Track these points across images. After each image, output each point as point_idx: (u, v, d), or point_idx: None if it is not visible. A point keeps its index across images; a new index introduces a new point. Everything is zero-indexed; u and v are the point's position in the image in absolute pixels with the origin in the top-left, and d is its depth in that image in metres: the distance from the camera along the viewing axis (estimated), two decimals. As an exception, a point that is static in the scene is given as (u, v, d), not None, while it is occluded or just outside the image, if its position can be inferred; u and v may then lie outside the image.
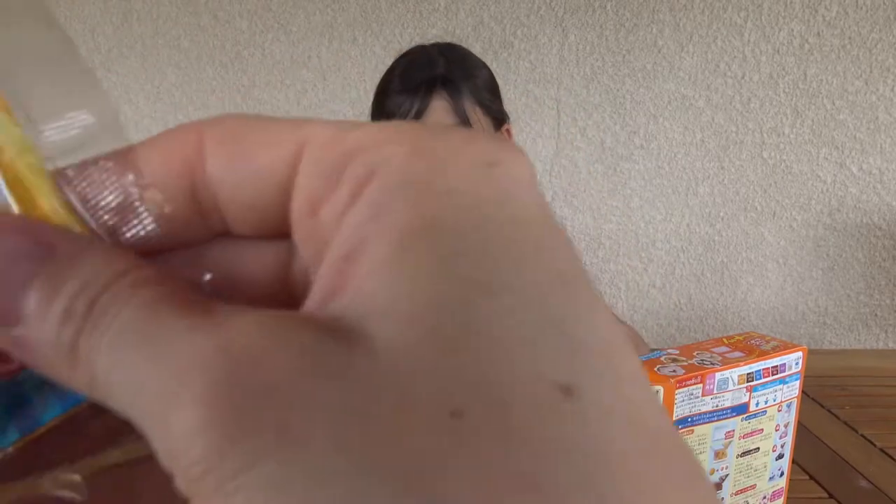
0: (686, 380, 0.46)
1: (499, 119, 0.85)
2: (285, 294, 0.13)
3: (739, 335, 0.54)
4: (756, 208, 1.71)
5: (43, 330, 0.10)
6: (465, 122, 0.79)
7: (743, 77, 1.62)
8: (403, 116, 0.80)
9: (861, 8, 1.59)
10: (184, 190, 0.12)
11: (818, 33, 1.61)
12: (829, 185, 1.69)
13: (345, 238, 0.10)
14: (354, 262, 0.10)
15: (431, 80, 0.79)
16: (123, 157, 0.13)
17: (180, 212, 0.12)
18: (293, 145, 0.11)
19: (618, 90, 1.65)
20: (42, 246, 0.11)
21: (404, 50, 0.87)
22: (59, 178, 0.13)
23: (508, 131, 0.89)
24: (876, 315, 1.77)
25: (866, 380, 0.72)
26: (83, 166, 0.13)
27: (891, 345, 1.79)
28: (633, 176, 1.67)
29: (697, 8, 1.61)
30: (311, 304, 0.10)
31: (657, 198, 1.69)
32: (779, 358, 0.50)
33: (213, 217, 0.12)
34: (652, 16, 1.62)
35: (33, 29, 0.15)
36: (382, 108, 0.82)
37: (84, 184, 0.13)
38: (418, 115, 0.80)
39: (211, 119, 0.12)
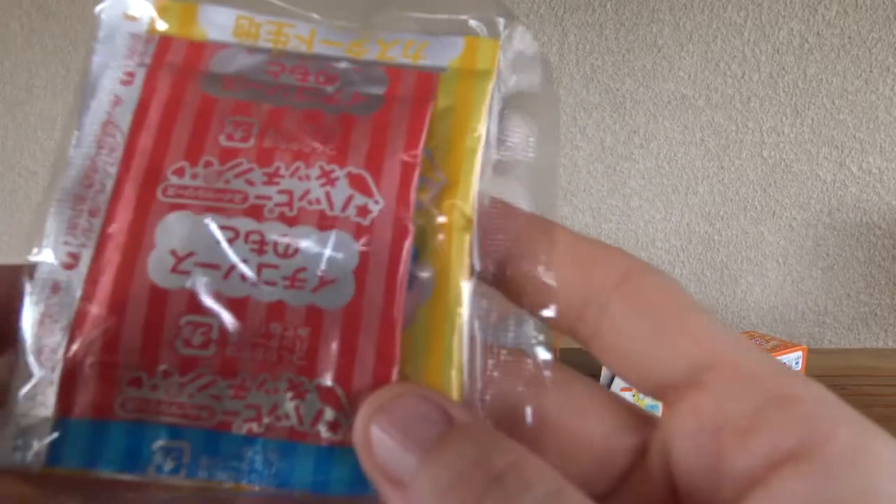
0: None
1: None
2: (612, 460, 0.13)
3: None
4: (756, 207, 1.70)
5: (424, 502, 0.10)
6: None
7: (743, 76, 1.62)
8: None
9: (861, 7, 1.59)
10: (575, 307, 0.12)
11: (818, 33, 1.61)
12: (828, 184, 1.69)
13: None
14: None
15: None
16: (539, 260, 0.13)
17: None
18: (705, 355, 0.11)
19: (617, 89, 1.65)
20: (445, 415, 0.11)
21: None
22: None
23: None
24: (876, 314, 1.77)
25: (866, 379, 0.72)
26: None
27: (890, 344, 1.79)
28: (632, 175, 1.67)
29: (697, 7, 1.61)
30: None
31: (657, 197, 1.69)
32: (778, 357, 0.50)
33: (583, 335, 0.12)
34: (652, 15, 1.61)
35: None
36: None
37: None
38: None
39: (640, 264, 0.12)
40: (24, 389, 0.15)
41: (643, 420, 0.14)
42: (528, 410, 0.13)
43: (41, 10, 1.65)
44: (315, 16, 0.17)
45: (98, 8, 0.17)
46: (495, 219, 0.15)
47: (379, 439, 0.11)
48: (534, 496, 0.10)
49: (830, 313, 1.83)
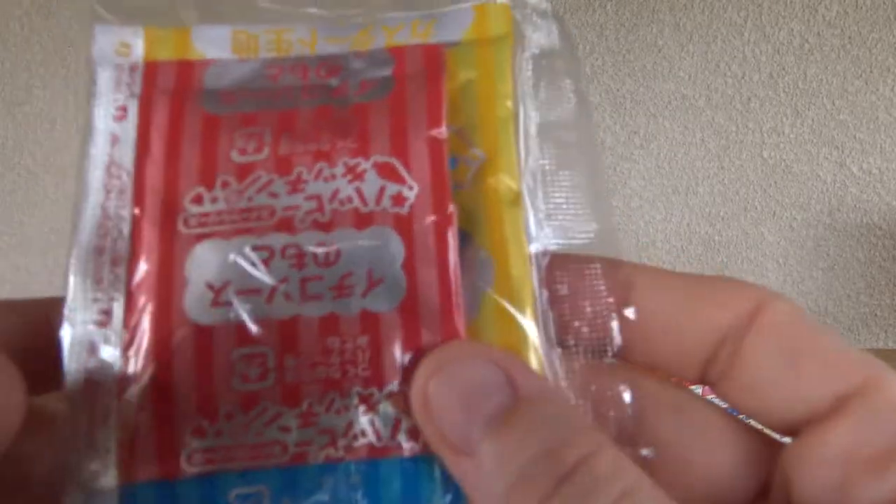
0: (686, 380, 0.46)
1: None
2: (733, 495, 0.12)
3: (739, 335, 0.54)
4: (756, 208, 1.70)
5: (490, 484, 0.10)
6: None
7: (743, 77, 1.62)
8: None
9: (861, 8, 1.59)
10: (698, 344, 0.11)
11: (818, 33, 1.61)
12: (829, 185, 1.69)
13: None
14: None
15: None
16: (614, 272, 0.12)
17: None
18: (846, 383, 0.10)
19: (618, 90, 1.65)
20: (510, 384, 0.10)
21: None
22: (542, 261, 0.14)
23: None
24: (876, 315, 1.76)
25: (866, 380, 0.72)
26: (570, 260, 0.13)
27: (891, 344, 1.79)
28: (632, 176, 1.67)
29: (697, 8, 1.61)
30: None
31: (657, 198, 1.69)
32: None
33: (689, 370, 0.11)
34: (652, 16, 1.61)
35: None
36: None
37: (564, 280, 0.14)
38: None
39: (768, 293, 0.11)
40: (82, 460, 0.14)
41: (768, 447, 0.13)
42: (626, 396, 0.12)
43: (41, 10, 1.64)
44: (313, 10, 0.17)
45: (91, 51, 0.16)
46: (567, 283, 0.14)
47: (438, 404, 0.10)
48: (608, 496, 0.09)
49: (830, 314, 1.83)
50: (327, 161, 0.15)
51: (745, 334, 0.11)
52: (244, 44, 0.17)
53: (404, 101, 0.15)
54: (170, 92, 0.16)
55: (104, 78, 0.16)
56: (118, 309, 0.15)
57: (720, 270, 1.73)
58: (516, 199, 0.15)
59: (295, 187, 0.15)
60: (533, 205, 0.15)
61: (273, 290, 0.14)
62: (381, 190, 0.15)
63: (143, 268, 0.15)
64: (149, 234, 0.15)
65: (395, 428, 0.14)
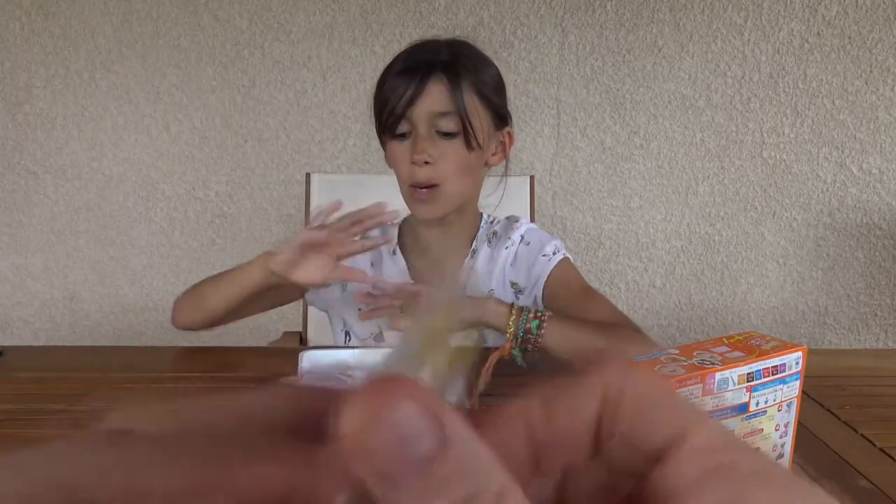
0: (686, 380, 0.46)
1: (501, 117, 0.83)
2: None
3: (739, 335, 0.54)
4: (756, 208, 1.71)
5: None
6: (461, 110, 0.76)
7: (743, 77, 1.62)
8: (398, 99, 0.76)
9: (861, 8, 1.59)
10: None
11: (818, 33, 1.61)
12: (829, 184, 1.69)
13: None
14: None
15: (431, 63, 0.77)
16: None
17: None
18: (679, 430, 0.13)
19: (618, 90, 1.65)
20: (437, 430, 0.11)
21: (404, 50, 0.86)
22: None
23: (510, 134, 0.86)
24: (876, 315, 1.77)
25: (866, 380, 0.72)
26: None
27: (890, 344, 1.79)
28: (633, 176, 1.67)
29: (697, 8, 1.61)
30: None
31: (657, 198, 1.69)
32: (779, 358, 0.50)
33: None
34: (652, 16, 1.62)
35: None
36: (381, 94, 0.79)
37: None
38: (413, 99, 0.76)
39: (625, 375, 0.14)
40: None
41: None
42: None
43: (41, 10, 1.65)
44: None
45: None
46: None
47: (371, 445, 0.11)
48: None
49: (831, 314, 1.83)
50: None
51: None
52: None
53: None
54: None
55: None
56: None
57: (721, 270, 1.74)
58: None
59: None
60: None
61: None
62: None
63: None
64: None
65: None
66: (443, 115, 0.76)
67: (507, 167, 0.87)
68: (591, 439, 0.13)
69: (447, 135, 0.76)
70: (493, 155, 0.83)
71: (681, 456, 0.13)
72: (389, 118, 0.77)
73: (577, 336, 0.67)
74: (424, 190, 0.77)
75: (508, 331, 0.66)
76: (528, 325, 0.66)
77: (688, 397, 0.48)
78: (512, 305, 0.69)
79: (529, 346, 0.66)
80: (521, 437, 0.13)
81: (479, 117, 0.78)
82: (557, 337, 0.67)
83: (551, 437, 0.13)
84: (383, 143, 0.82)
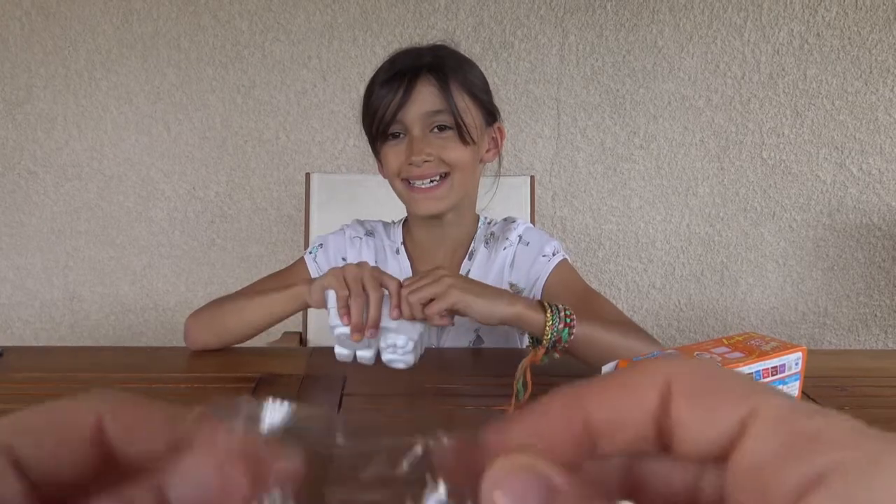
0: (686, 380, 0.46)
1: (490, 113, 0.82)
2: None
3: (739, 336, 0.54)
4: (756, 209, 1.71)
5: None
6: (452, 107, 0.76)
7: (743, 77, 1.62)
8: (387, 107, 0.76)
9: (861, 9, 1.59)
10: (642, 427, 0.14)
11: (818, 34, 1.61)
12: (828, 185, 1.69)
13: None
14: None
15: (417, 67, 0.77)
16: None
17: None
18: (747, 409, 0.13)
19: (618, 90, 1.65)
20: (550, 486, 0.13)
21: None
22: None
23: (501, 129, 0.86)
24: (875, 315, 1.77)
25: (866, 380, 0.72)
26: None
27: (890, 345, 1.79)
28: (633, 176, 1.67)
29: (697, 8, 1.61)
30: None
31: (657, 198, 1.69)
32: (779, 358, 0.50)
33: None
34: (652, 16, 1.62)
35: None
36: (369, 104, 0.79)
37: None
38: (404, 102, 0.76)
39: (678, 364, 0.14)
40: None
41: None
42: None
43: (41, 10, 1.65)
44: None
45: None
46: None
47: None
48: None
49: (830, 314, 1.83)
50: None
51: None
52: None
53: None
54: None
55: None
56: None
57: (720, 271, 1.74)
58: None
59: None
60: None
61: None
62: None
63: None
64: None
65: None
66: (435, 113, 0.76)
67: (500, 165, 0.87)
68: (654, 427, 0.14)
69: (442, 129, 0.76)
70: (487, 151, 0.83)
71: (756, 430, 0.13)
72: (381, 124, 0.77)
73: (599, 337, 0.67)
74: (436, 183, 0.77)
75: (545, 338, 0.65)
76: (559, 336, 0.65)
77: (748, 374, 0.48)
78: (545, 310, 0.65)
79: (557, 354, 0.65)
80: (576, 420, 0.14)
81: (471, 114, 0.78)
82: (582, 339, 0.66)
83: (607, 423, 0.14)
84: (377, 152, 0.82)
